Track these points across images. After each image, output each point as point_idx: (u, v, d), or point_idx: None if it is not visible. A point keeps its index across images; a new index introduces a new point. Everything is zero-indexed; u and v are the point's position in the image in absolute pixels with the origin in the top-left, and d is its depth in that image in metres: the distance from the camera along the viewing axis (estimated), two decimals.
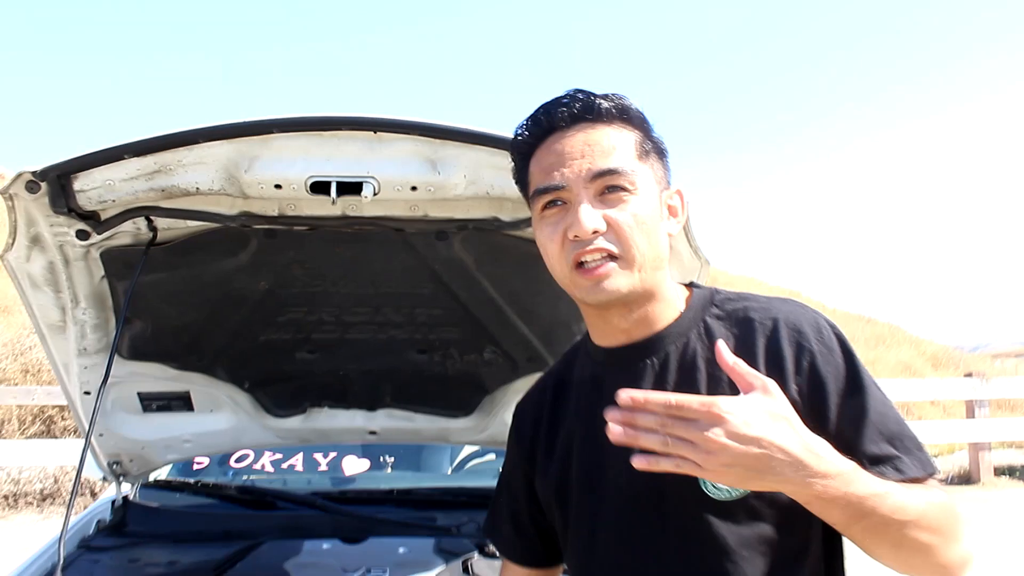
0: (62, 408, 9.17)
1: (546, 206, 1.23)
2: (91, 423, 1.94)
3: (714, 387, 1.20)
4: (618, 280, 1.20)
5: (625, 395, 1.04)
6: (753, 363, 1.18)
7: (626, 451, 1.23)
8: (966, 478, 9.69)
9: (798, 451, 1.02)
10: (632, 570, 1.23)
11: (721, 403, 1.01)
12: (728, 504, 1.17)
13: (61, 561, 1.84)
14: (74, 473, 8.20)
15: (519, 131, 1.28)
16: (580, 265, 1.21)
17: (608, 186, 1.20)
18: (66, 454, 8.16)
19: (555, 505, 1.35)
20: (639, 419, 1.03)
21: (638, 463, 1.04)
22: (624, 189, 1.20)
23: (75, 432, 9.08)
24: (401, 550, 2.44)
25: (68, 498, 7.72)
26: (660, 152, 1.27)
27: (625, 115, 1.24)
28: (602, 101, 1.23)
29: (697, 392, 1.19)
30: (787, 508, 1.17)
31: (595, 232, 1.18)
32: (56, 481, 8.28)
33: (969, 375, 10.33)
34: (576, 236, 1.19)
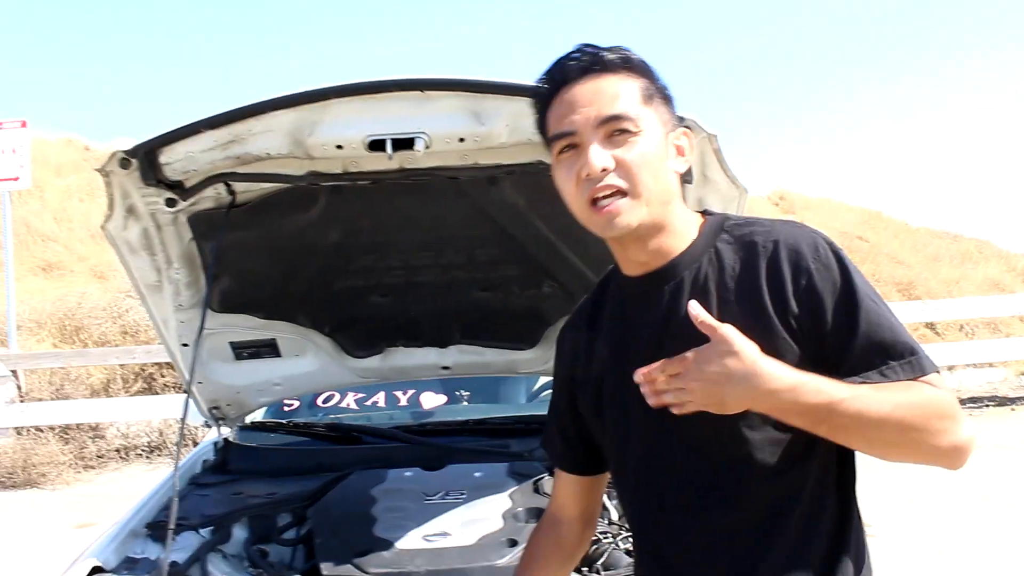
0: (161, 366, 9.68)
1: (561, 151, 1.36)
2: (192, 371, 2.17)
3: (724, 307, 1.32)
4: (628, 215, 1.32)
5: (637, 375, 1.26)
6: (756, 283, 1.31)
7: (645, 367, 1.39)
8: None
9: (744, 376, 1.19)
10: (659, 472, 1.38)
11: (689, 355, 1.21)
12: (735, 415, 1.27)
13: (176, 490, 2.07)
14: (177, 426, 8.74)
15: (537, 83, 1.41)
16: (594, 203, 1.33)
17: (615, 130, 1.31)
18: (168, 408, 8.66)
19: (594, 418, 1.51)
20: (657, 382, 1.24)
21: (653, 402, 1.26)
22: (629, 132, 1.31)
23: (175, 388, 9.59)
24: (477, 474, 2.63)
25: (175, 445, 8.23)
26: (665, 97, 1.38)
27: (628, 64, 1.35)
28: (607, 53, 1.35)
29: (710, 311, 1.30)
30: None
31: (604, 170, 1.30)
32: (161, 434, 8.80)
33: None
34: (588, 175, 1.31)
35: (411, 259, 2.51)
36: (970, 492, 6.04)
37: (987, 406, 9.51)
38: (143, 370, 9.78)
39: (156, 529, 2.40)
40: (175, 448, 2.17)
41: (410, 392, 3.40)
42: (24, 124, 10.04)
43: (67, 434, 8.63)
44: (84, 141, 19.65)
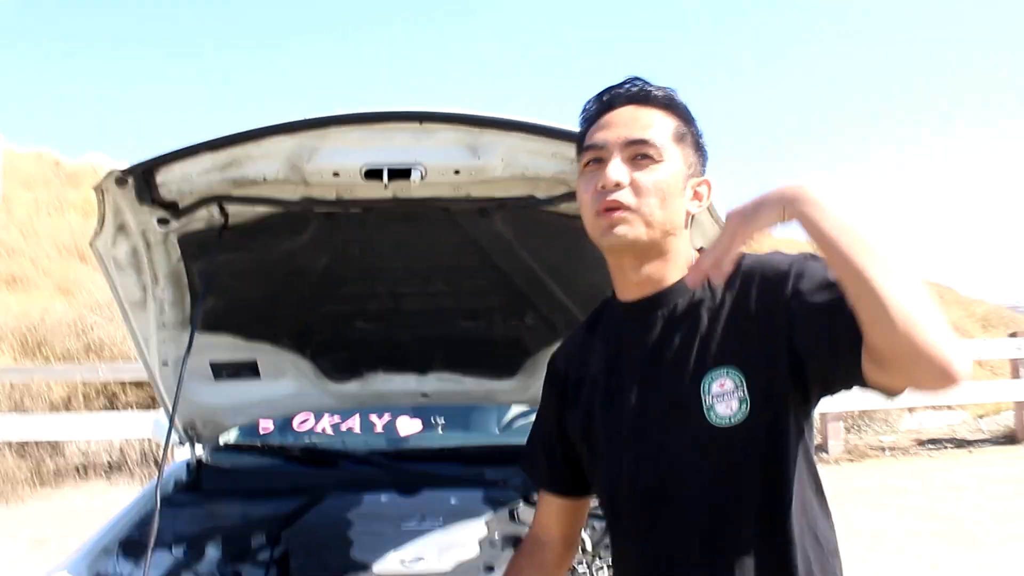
0: (124, 384, 9.57)
1: (587, 163, 1.44)
2: (177, 391, 2.17)
3: (708, 331, 1.39)
4: (626, 228, 1.38)
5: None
6: (746, 312, 1.36)
7: (641, 388, 1.44)
8: (1011, 437, 9.75)
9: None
10: (650, 493, 1.43)
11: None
12: (726, 429, 1.35)
13: (158, 508, 2.06)
14: (138, 444, 8.63)
15: (587, 105, 1.50)
16: (601, 213, 1.40)
17: (639, 153, 1.39)
18: (130, 427, 8.55)
19: (581, 439, 1.55)
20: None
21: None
22: (651, 158, 1.39)
23: (138, 406, 9.48)
24: (453, 501, 2.65)
25: (159, 462, 8.11)
26: (697, 144, 1.46)
27: (670, 104, 1.44)
28: (654, 89, 1.44)
29: (696, 338, 1.39)
30: (777, 435, 1.36)
31: (618, 184, 1.37)
32: (122, 452, 8.69)
33: (1014, 335, 10.34)
34: (603, 186, 1.38)
35: (398, 286, 2.54)
36: (927, 530, 6.15)
37: (946, 448, 9.67)
38: (106, 388, 9.66)
39: (129, 547, 2.39)
40: (159, 465, 2.17)
41: (386, 418, 3.40)
42: None
43: (24, 449, 8.48)
44: (55, 155, 19.46)
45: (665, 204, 1.39)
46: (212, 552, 2.44)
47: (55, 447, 8.71)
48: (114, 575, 2.26)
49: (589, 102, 1.50)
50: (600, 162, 1.41)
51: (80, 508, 7.53)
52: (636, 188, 1.38)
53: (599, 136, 1.42)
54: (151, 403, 9.59)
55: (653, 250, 1.43)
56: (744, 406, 1.34)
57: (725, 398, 1.35)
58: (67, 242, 14.57)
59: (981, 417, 10.87)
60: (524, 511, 2.57)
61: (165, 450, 2.18)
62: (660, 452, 1.42)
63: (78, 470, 8.59)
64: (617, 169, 1.38)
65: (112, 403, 9.65)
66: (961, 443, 9.81)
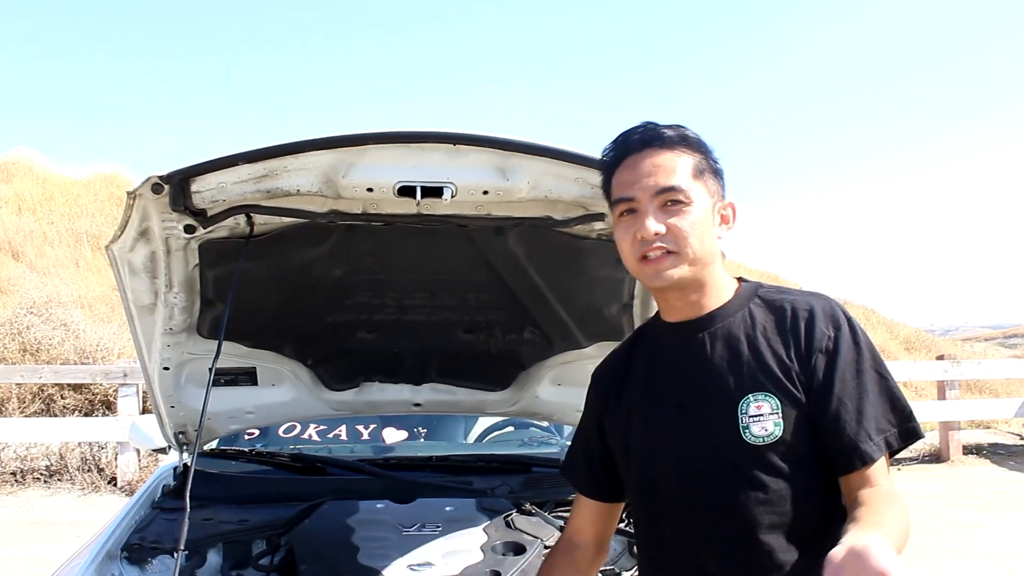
0: (62, 387, 9.36)
1: (622, 213, 1.57)
2: (206, 398, 2.21)
3: (750, 358, 1.53)
4: (673, 270, 1.54)
5: None
6: (782, 342, 1.53)
7: (681, 402, 1.57)
8: (936, 456, 10.12)
9: None
10: (688, 504, 1.55)
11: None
12: (759, 448, 1.49)
13: (187, 514, 2.10)
14: (78, 449, 8.44)
15: (604, 152, 1.63)
16: (644, 259, 1.54)
17: (669, 200, 1.53)
18: (68, 431, 8.39)
19: (619, 447, 1.68)
20: None
21: None
22: (681, 202, 1.53)
23: (76, 411, 9.28)
24: (448, 509, 2.72)
25: (75, 473, 7.91)
26: (715, 172, 1.59)
27: (685, 142, 1.57)
28: (667, 130, 1.57)
29: (737, 361, 1.53)
30: (806, 457, 1.50)
31: (656, 234, 1.52)
32: (62, 457, 8.49)
33: (941, 357, 10.79)
34: (643, 237, 1.52)
35: (405, 298, 2.61)
36: None
37: None
38: (42, 391, 9.43)
39: (133, 552, 2.41)
40: (187, 467, 2.20)
41: (371, 426, 3.46)
42: None
43: None
44: None
45: (703, 240, 1.54)
46: (214, 558, 2.47)
47: None
48: None
49: (607, 149, 1.63)
50: (633, 212, 1.55)
51: (18, 516, 7.34)
52: (673, 233, 1.52)
53: (629, 189, 1.55)
54: (90, 407, 9.40)
55: (695, 283, 1.57)
56: (778, 429, 1.49)
57: (761, 419, 1.50)
58: (104, 247, 14.16)
59: None
60: (519, 519, 2.65)
61: (195, 452, 2.20)
62: (696, 465, 1.55)
63: (15, 476, 8.36)
64: (653, 222, 1.51)
65: (48, 407, 9.42)
66: (892, 462, 10.17)
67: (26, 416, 9.12)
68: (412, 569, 2.32)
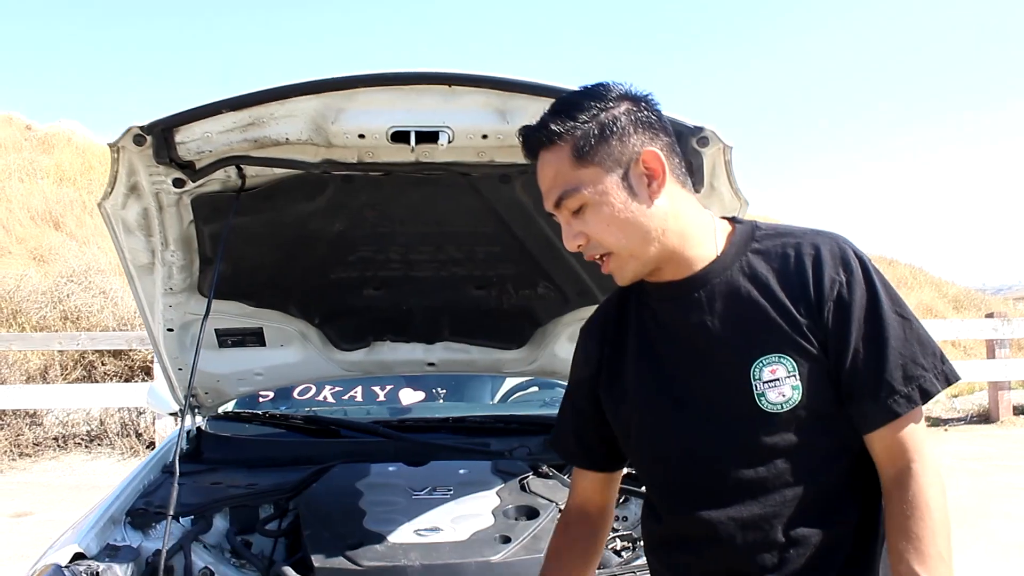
0: (102, 353, 9.45)
1: None
2: (195, 358, 2.12)
3: (757, 316, 1.36)
4: (623, 271, 1.41)
5: None
6: (791, 294, 1.35)
7: (682, 371, 1.42)
8: (985, 417, 9.89)
9: None
10: (696, 467, 1.41)
11: None
12: (778, 415, 1.34)
13: (177, 478, 2.02)
14: (117, 415, 8.54)
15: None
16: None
17: (571, 208, 1.37)
18: (108, 397, 8.47)
19: (619, 428, 1.53)
20: None
21: None
22: (583, 205, 1.36)
23: (116, 376, 9.38)
24: (462, 471, 2.63)
25: (115, 438, 8.04)
26: (602, 138, 1.35)
27: (554, 137, 1.36)
28: (533, 136, 1.40)
29: (742, 321, 1.37)
30: (827, 418, 1.35)
31: (580, 247, 1.39)
32: (102, 423, 8.59)
33: (991, 315, 10.46)
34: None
35: (410, 253, 2.50)
36: None
37: None
38: (83, 357, 9.53)
39: (136, 516, 2.35)
40: (179, 429, 2.14)
41: (388, 388, 3.38)
42: None
43: (2, 420, 8.37)
44: (25, 120, 19.08)
45: (625, 230, 1.37)
46: (220, 522, 2.41)
47: (33, 418, 8.59)
48: (122, 545, 2.22)
49: None
50: None
51: (61, 480, 7.45)
52: (593, 238, 1.38)
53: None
54: (130, 373, 9.49)
55: (662, 258, 1.41)
56: (796, 393, 1.34)
57: (778, 384, 1.34)
58: (40, 209, 14.32)
59: (955, 397, 11.02)
60: (534, 482, 2.55)
61: (183, 416, 2.13)
62: (708, 442, 1.40)
63: (57, 441, 8.48)
64: (569, 237, 1.40)
65: (90, 373, 9.52)
66: (937, 422, 9.93)
67: (68, 383, 9.24)
68: (419, 534, 2.23)
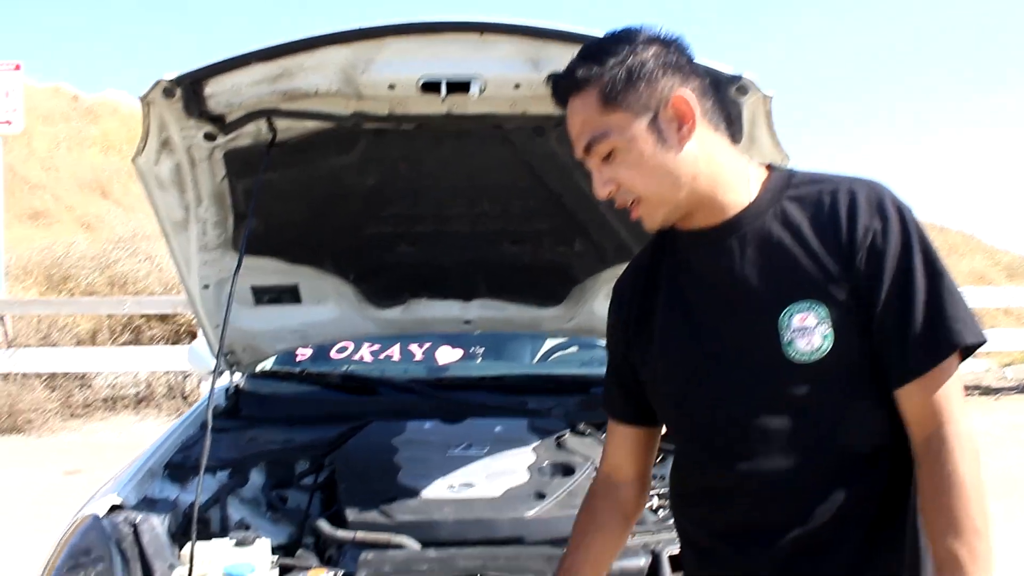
0: (149, 318, 9.64)
1: None
2: (226, 315, 2.10)
3: (788, 262, 1.31)
4: (651, 217, 1.37)
5: None
6: (824, 241, 1.30)
7: (711, 318, 1.38)
8: None
9: None
10: (728, 420, 1.36)
11: None
12: (805, 365, 1.29)
13: (209, 432, 2.02)
14: (164, 378, 8.72)
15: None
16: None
17: (601, 154, 1.33)
18: (156, 360, 8.63)
19: (648, 370, 1.48)
20: None
21: None
22: (614, 150, 1.32)
23: (163, 340, 9.56)
24: (498, 429, 2.61)
25: (161, 400, 8.20)
26: (629, 82, 1.31)
27: (581, 83, 1.32)
28: (560, 83, 1.36)
29: (774, 267, 1.32)
30: (857, 373, 1.30)
31: (610, 194, 1.35)
32: (149, 386, 8.77)
33: None
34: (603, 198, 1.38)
35: (444, 208, 2.47)
36: None
37: (972, 395, 9.62)
38: (130, 321, 9.73)
39: (175, 469, 2.38)
40: (210, 388, 2.14)
41: (425, 346, 3.38)
42: (18, 67, 9.87)
43: (54, 381, 8.57)
44: (73, 90, 19.37)
45: (655, 175, 1.33)
46: (256, 477, 2.43)
47: (83, 380, 8.80)
48: (160, 497, 2.25)
49: None
50: None
51: (110, 440, 7.62)
52: (624, 184, 1.34)
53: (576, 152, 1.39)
54: (176, 337, 9.67)
55: (693, 204, 1.36)
56: (827, 341, 1.28)
57: (806, 333, 1.29)
58: (87, 177, 14.58)
59: (1007, 365, 10.82)
60: (571, 440, 2.53)
61: (216, 373, 2.13)
62: (737, 387, 1.35)
63: (106, 402, 8.68)
64: (600, 185, 1.36)
65: (137, 337, 9.72)
66: (987, 391, 9.76)
67: (117, 346, 9.43)
68: (452, 490, 2.23)
